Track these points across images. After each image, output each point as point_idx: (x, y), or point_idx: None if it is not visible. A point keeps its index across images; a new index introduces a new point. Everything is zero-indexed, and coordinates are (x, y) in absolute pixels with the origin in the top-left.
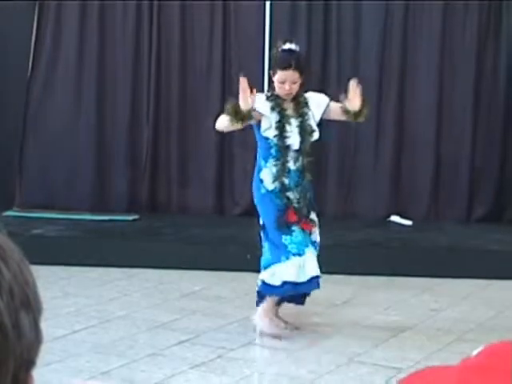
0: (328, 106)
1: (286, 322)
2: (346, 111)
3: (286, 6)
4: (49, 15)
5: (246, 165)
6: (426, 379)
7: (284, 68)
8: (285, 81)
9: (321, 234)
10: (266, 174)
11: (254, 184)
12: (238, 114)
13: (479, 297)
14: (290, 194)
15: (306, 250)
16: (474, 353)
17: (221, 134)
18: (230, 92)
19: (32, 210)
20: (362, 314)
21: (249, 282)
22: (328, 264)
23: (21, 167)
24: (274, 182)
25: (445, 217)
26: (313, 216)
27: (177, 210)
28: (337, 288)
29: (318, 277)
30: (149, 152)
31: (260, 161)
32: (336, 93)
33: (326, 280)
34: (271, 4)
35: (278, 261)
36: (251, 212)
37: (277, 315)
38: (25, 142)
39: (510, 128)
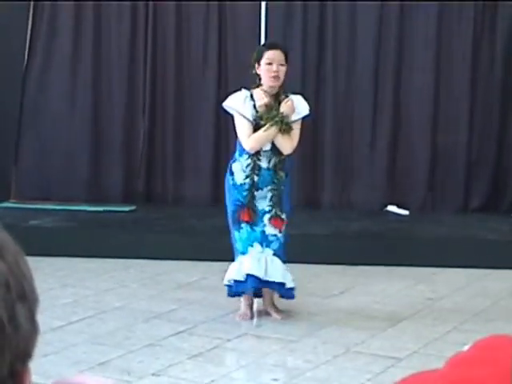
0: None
1: (278, 313)
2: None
3: (281, 5)
4: (44, 11)
5: None
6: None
7: (272, 47)
8: (273, 61)
9: (318, 224)
10: (238, 168)
11: (227, 173)
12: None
13: (476, 287)
14: (257, 193)
15: (250, 249)
16: (465, 348)
17: (216, 124)
18: (225, 87)
19: (28, 201)
20: (359, 303)
21: None
22: (325, 254)
23: (17, 159)
24: (245, 179)
25: (442, 207)
26: (283, 216)
27: (173, 200)
28: (334, 278)
29: (253, 276)
30: (145, 143)
31: (236, 152)
32: (331, 91)
33: (324, 270)
34: (267, 4)
35: (233, 259)
36: None
37: (269, 305)
38: (21, 133)
39: (506, 118)
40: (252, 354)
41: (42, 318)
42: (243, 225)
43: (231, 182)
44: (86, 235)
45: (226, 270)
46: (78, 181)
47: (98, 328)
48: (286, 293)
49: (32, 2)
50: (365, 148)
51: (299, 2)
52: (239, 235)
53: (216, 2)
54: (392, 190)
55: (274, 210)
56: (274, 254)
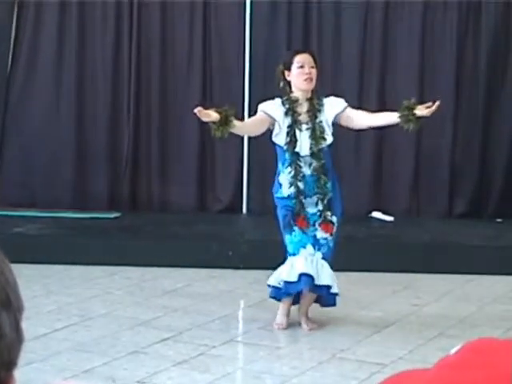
0: (344, 110)
1: (308, 324)
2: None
3: (266, 2)
4: (28, 13)
5: (228, 161)
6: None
7: (300, 51)
8: (303, 64)
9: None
10: (284, 179)
11: (274, 186)
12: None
13: (461, 292)
14: (305, 200)
15: (302, 250)
16: (453, 351)
17: (202, 130)
18: (210, 90)
19: (12, 208)
20: (344, 310)
21: (230, 279)
22: None
23: (1, 165)
24: (290, 187)
25: (426, 212)
26: (332, 218)
27: (158, 207)
28: None
29: (307, 275)
30: (129, 149)
31: (279, 164)
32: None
33: None
34: (251, 1)
35: (283, 262)
36: (233, 209)
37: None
38: (4, 140)
39: (489, 123)
40: (238, 360)
41: (26, 325)
42: (296, 228)
43: (280, 195)
44: (70, 242)
45: (212, 277)
46: (63, 188)
47: (82, 335)
48: (328, 298)
49: (16, 7)
50: (349, 154)
51: (284, 0)
52: (291, 238)
53: (200, 0)
54: (376, 196)
55: (323, 215)
56: (323, 258)
